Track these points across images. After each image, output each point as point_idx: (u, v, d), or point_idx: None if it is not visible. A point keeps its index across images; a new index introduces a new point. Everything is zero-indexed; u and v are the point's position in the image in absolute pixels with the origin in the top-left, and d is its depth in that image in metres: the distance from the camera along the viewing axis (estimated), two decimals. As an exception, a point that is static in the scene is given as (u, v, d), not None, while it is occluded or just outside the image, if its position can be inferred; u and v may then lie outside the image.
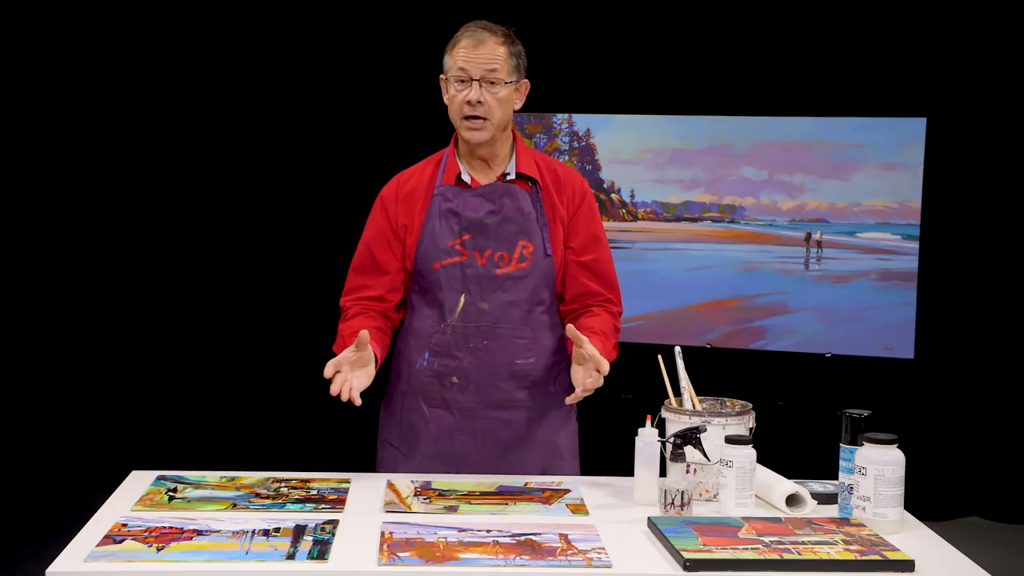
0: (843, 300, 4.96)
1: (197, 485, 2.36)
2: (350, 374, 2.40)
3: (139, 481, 2.39)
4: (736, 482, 2.20)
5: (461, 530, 2.08)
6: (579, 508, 2.27)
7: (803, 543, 2.01)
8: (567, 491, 2.38)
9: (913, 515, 2.26)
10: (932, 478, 4.85)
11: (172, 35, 5.11)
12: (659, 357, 2.51)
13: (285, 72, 5.15)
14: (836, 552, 1.97)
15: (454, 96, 2.57)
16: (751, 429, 2.37)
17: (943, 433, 4.98)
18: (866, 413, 2.25)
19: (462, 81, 2.55)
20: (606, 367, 2.40)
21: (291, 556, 1.94)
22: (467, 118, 2.56)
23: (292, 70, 5.15)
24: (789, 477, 2.35)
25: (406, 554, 1.96)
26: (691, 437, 2.27)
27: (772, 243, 5.02)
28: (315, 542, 2.01)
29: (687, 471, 2.28)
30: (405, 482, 2.42)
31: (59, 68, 5.09)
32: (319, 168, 5.19)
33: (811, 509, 2.27)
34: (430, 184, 2.64)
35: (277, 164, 5.19)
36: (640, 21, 5.06)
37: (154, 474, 2.44)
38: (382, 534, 2.06)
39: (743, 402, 2.45)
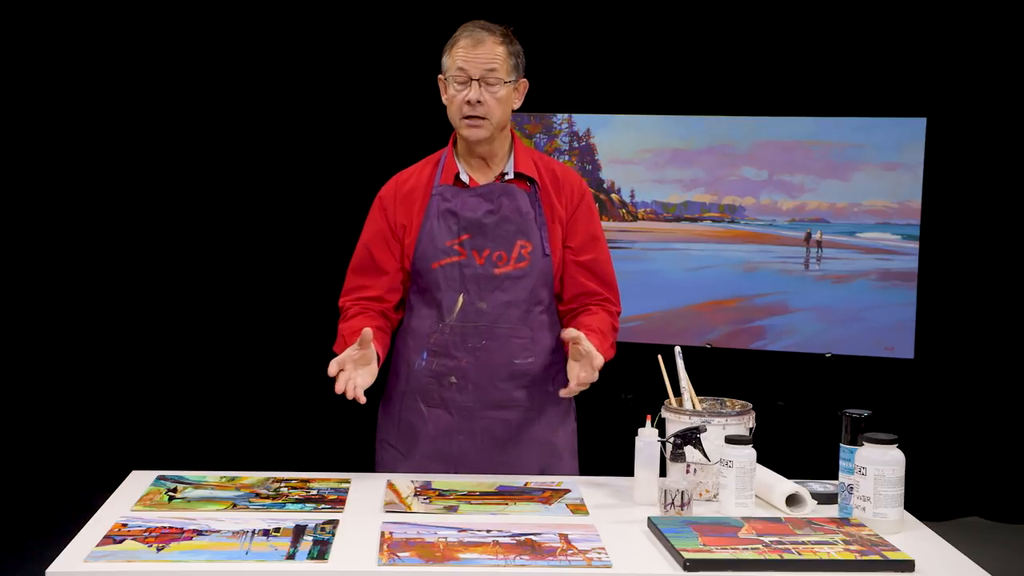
0: (843, 300, 4.96)
1: (197, 485, 2.36)
2: (353, 372, 2.41)
3: (139, 481, 2.39)
4: (736, 482, 2.20)
5: (461, 530, 2.08)
6: (579, 508, 2.27)
7: (803, 543, 2.01)
8: (567, 491, 2.38)
9: (913, 515, 2.26)
10: (932, 478, 4.85)
11: (172, 35, 5.10)
12: (659, 357, 2.51)
13: (284, 72, 5.15)
14: (836, 552, 1.97)
15: (453, 96, 2.57)
16: (751, 429, 2.37)
17: (943, 433, 4.98)
18: (866, 413, 2.25)
19: (461, 81, 2.55)
20: (600, 362, 2.42)
21: (291, 556, 1.94)
22: (466, 117, 2.56)
23: (291, 70, 5.15)
24: (789, 477, 2.35)
25: (406, 554, 1.96)
26: (691, 437, 2.27)
27: (772, 243, 5.01)
28: (315, 542, 2.01)
29: (687, 471, 2.28)
30: (405, 482, 2.42)
31: (59, 68, 5.09)
32: (318, 168, 5.19)
33: (811, 509, 2.27)
34: (428, 184, 2.64)
35: (276, 164, 5.19)
36: (640, 21, 5.06)
37: (154, 474, 2.44)
38: (382, 534, 2.06)
39: (743, 402, 2.45)
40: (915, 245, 4.86)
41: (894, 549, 2.00)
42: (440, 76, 2.61)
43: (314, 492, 2.33)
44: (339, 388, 2.38)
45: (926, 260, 4.88)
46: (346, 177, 5.05)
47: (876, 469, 2.14)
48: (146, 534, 2.03)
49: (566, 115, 5.10)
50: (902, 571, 1.94)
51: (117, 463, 3.15)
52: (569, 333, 2.43)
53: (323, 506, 2.23)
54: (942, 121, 4.86)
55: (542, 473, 2.60)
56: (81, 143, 5.15)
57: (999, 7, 4.84)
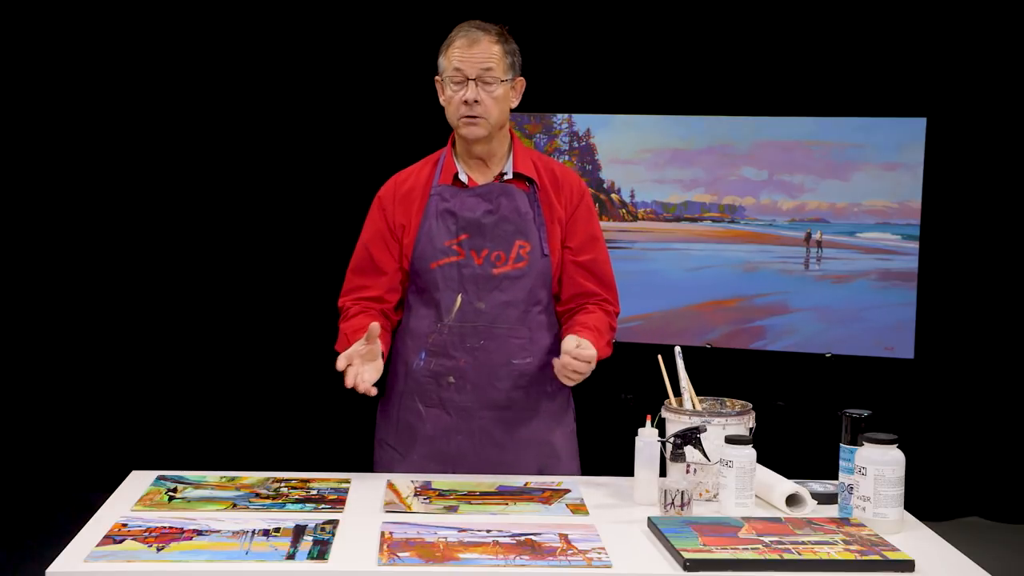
0: (843, 300, 4.95)
1: (197, 485, 2.36)
2: (361, 367, 2.42)
3: (139, 481, 2.39)
4: (736, 482, 2.20)
5: (461, 530, 2.08)
6: (579, 508, 2.27)
7: (803, 543, 2.01)
8: (567, 491, 2.38)
9: (913, 515, 2.26)
10: (932, 478, 4.85)
11: (172, 35, 5.10)
12: (659, 357, 2.51)
13: (283, 73, 5.14)
14: (836, 552, 1.97)
15: (451, 96, 2.57)
16: (751, 429, 2.37)
17: (943, 433, 4.98)
18: (866, 413, 2.25)
19: (458, 81, 2.55)
20: (592, 354, 2.44)
21: (291, 556, 1.94)
22: (464, 116, 2.56)
23: (290, 71, 5.14)
24: (789, 477, 2.35)
25: (406, 554, 1.96)
26: (691, 437, 2.27)
27: (772, 243, 5.01)
28: (315, 542, 2.01)
29: (687, 471, 2.28)
30: (405, 482, 2.42)
31: (59, 68, 5.08)
32: (318, 168, 5.18)
33: (811, 509, 2.27)
34: (427, 184, 2.64)
35: (276, 165, 5.19)
36: (640, 21, 5.06)
37: (154, 474, 2.44)
38: (382, 534, 2.06)
39: (743, 402, 2.45)
40: (915, 245, 4.85)
41: (894, 549, 2.00)
42: (437, 77, 2.62)
43: (314, 492, 2.33)
44: (349, 383, 2.41)
45: (926, 260, 4.88)
46: (346, 177, 5.05)
47: (876, 469, 2.14)
48: (146, 534, 2.03)
49: (566, 115, 5.10)
50: (902, 571, 1.94)
51: (117, 463, 3.14)
52: (568, 343, 2.47)
53: (323, 506, 2.23)
54: (942, 121, 4.85)
55: (540, 473, 2.60)
56: (81, 144, 5.15)
57: (999, 7, 4.84)
